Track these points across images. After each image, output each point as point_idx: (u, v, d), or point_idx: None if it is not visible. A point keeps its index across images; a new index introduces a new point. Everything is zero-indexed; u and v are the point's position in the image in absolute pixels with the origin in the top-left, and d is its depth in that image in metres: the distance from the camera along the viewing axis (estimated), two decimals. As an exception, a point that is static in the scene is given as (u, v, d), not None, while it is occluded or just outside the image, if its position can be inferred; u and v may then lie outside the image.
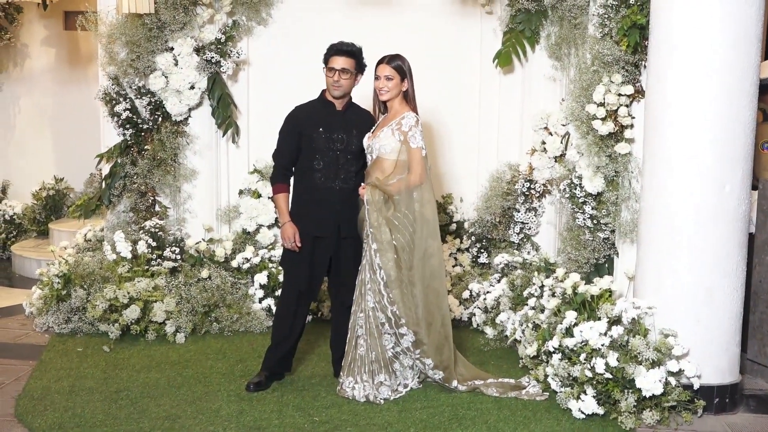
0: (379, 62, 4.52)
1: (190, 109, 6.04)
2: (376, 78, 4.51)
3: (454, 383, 4.53)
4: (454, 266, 6.23)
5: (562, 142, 5.77)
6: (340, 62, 4.48)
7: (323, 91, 4.63)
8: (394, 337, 4.46)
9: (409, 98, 4.57)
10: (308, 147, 4.53)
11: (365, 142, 4.55)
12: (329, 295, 4.97)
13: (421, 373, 4.59)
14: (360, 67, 4.57)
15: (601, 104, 5.00)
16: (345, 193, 4.52)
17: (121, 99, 5.94)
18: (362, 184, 4.53)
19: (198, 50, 5.93)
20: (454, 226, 6.41)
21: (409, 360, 4.52)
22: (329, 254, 4.58)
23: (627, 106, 4.98)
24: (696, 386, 4.18)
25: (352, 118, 4.61)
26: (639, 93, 4.94)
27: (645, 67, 4.79)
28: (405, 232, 4.40)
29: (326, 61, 4.53)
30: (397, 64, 4.51)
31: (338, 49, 4.50)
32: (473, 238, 6.28)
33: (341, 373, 4.51)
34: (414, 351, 4.46)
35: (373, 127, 4.61)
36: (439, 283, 4.53)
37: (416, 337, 4.43)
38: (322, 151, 4.51)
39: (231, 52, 6.02)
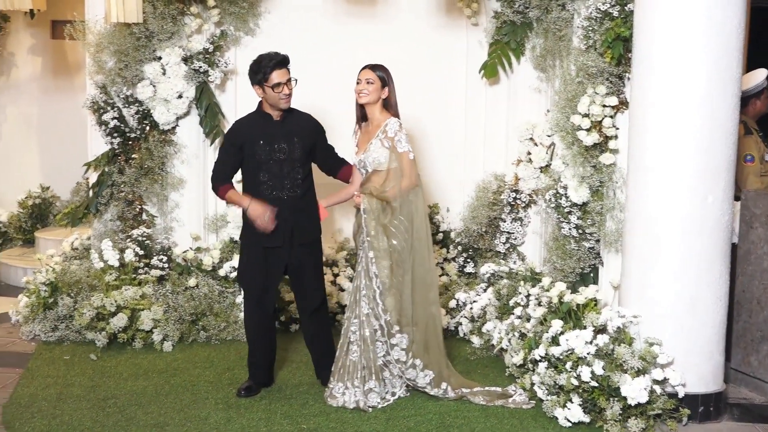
0: (363, 68, 4.59)
1: (177, 118, 6.05)
2: (357, 82, 4.56)
3: (444, 385, 4.55)
4: (440, 275, 6.25)
5: (547, 153, 5.83)
6: (284, 74, 4.47)
7: (260, 104, 4.62)
8: (385, 346, 4.49)
9: (390, 105, 4.61)
10: (251, 160, 4.54)
11: (354, 158, 4.59)
12: (295, 301, 4.97)
13: (408, 383, 4.62)
14: (290, 71, 4.55)
15: (586, 115, 5.07)
16: (293, 201, 4.53)
17: (108, 108, 5.95)
18: (355, 192, 4.59)
19: (186, 60, 5.95)
20: (440, 236, 6.44)
21: (398, 370, 4.55)
22: (284, 263, 4.60)
23: (611, 117, 5.04)
24: (681, 395, 4.23)
25: (292, 125, 4.59)
26: (623, 104, 5.01)
27: (629, 78, 4.86)
28: (401, 238, 4.45)
29: (265, 79, 4.44)
30: (380, 74, 4.58)
31: (277, 62, 4.45)
32: (459, 247, 6.31)
33: (331, 378, 4.53)
34: (407, 354, 4.49)
35: (355, 140, 4.66)
36: (430, 286, 4.60)
37: (409, 338, 4.48)
38: (265, 163, 4.52)
39: (219, 61, 6.04)
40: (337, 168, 4.85)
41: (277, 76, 4.44)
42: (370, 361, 4.46)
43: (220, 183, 4.65)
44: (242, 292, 4.83)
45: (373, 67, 4.59)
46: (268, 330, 4.71)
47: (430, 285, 4.63)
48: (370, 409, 4.38)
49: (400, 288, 4.46)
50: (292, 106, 4.60)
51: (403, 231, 4.46)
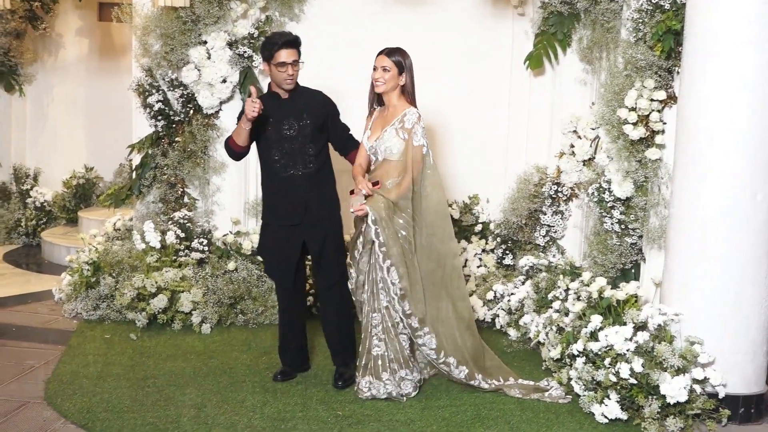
0: (379, 54, 4.44)
1: (221, 103, 6.09)
2: (374, 69, 4.43)
3: (478, 378, 4.52)
4: (478, 267, 6.23)
5: (591, 146, 5.76)
6: (291, 55, 4.42)
7: (270, 84, 4.60)
8: (409, 340, 4.46)
9: (407, 93, 4.46)
10: (263, 139, 4.54)
11: (366, 143, 4.49)
12: (313, 280, 4.91)
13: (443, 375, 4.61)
14: (300, 54, 4.50)
15: (633, 109, 4.99)
16: (308, 178, 4.50)
17: (154, 91, 6.01)
18: (356, 198, 4.37)
19: (231, 44, 5.98)
20: (479, 227, 6.42)
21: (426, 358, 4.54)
22: (301, 239, 4.57)
23: (659, 111, 4.96)
24: (721, 395, 4.17)
25: (301, 103, 4.55)
26: (671, 99, 4.92)
27: (678, 72, 4.78)
28: (408, 234, 4.37)
29: (271, 56, 4.42)
30: (397, 59, 4.40)
31: (284, 42, 4.41)
32: (498, 239, 6.28)
33: (357, 374, 4.49)
34: (438, 354, 4.45)
35: (368, 124, 4.55)
36: (450, 280, 4.52)
37: (437, 339, 4.43)
38: (276, 141, 4.50)
39: (263, 46, 6.06)
40: (349, 149, 4.75)
41: (283, 56, 4.39)
42: (397, 352, 4.41)
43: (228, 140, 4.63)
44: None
45: (389, 53, 4.41)
46: (289, 310, 4.68)
47: (450, 279, 4.53)
48: (404, 398, 4.38)
49: (417, 287, 4.37)
50: (309, 86, 4.59)
51: (406, 226, 4.36)
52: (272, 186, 4.57)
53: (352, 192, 4.41)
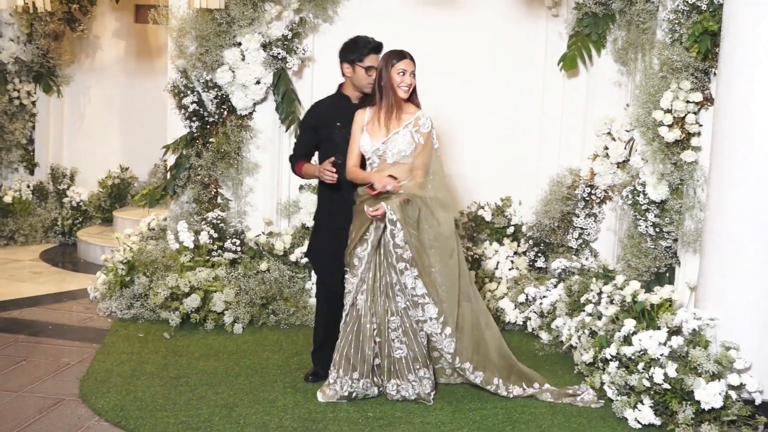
0: (403, 56, 4.35)
1: (255, 104, 6.13)
2: (401, 72, 4.33)
3: (497, 383, 4.45)
4: (510, 269, 6.20)
5: (625, 148, 5.71)
6: (376, 60, 4.47)
7: (340, 86, 4.64)
8: (426, 338, 4.41)
9: (416, 94, 4.46)
10: (328, 142, 4.57)
11: (373, 145, 4.37)
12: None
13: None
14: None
15: (668, 111, 4.94)
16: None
17: (188, 92, 6.07)
18: (365, 202, 4.33)
19: (265, 46, 6.02)
20: (511, 229, 6.39)
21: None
22: None
23: (695, 113, 4.90)
24: (758, 401, 4.09)
25: None
26: (708, 101, 4.86)
27: (715, 74, 4.71)
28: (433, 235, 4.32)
29: (361, 59, 4.49)
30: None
31: (374, 47, 4.50)
32: (531, 241, 6.25)
33: (382, 378, 4.41)
34: (454, 358, 4.40)
35: (362, 124, 4.43)
36: (456, 275, 4.42)
37: (456, 343, 4.37)
38: (341, 145, 4.50)
39: (297, 48, 6.09)
40: None
41: (370, 60, 4.48)
42: (417, 353, 4.35)
43: (296, 160, 4.69)
44: (316, 283, 4.88)
45: (411, 57, 4.38)
46: (331, 313, 4.66)
47: (459, 279, 4.43)
48: (431, 399, 4.36)
49: (432, 290, 4.32)
50: None
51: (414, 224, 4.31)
52: (329, 191, 4.58)
53: (371, 187, 4.28)
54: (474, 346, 4.46)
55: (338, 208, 4.55)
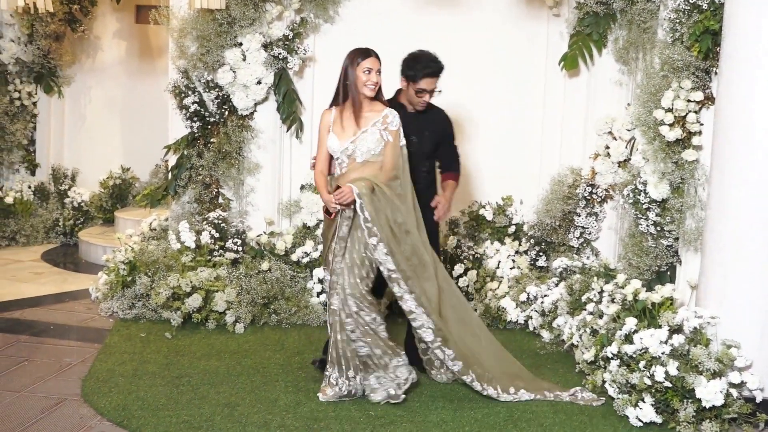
0: (368, 54, 4.32)
1: (256, 104, 6.14)
2: (367, 71, 4.29)
3: (472, 375, 4.40)
4: (511, 268, 6.20)
5: (626, 147, 5.71)
6: (430, 83, 4.51)
7: (398, 92, 4.65)
8: (385, 331, 4.36)
9: (381, 92, 4.41)
10: None
11: (342, 145, 4.32)
12: None
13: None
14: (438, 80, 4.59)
15: (669, 110, 4.94)
16: (418, 193, 4.53)
17: (189, 92, 6.07)
18: (330, 185, 4.36)
19: (266, 46, 6.02)
20: (513, 228, 6.39)
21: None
22: None
23: (696, 112, 4.91)
24: (758, 399, 4.10)
25: (425, 119, 4.63)
26: (709, 100, 4.86)
27: (716, 73, 4.72)
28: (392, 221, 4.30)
29: (415, 80, 4.51)
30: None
31: (432, 72, 4.50)
32: (532, 240, 6.25)
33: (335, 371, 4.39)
34: (435, 340, 4.38)
35: (328, 124, 4.38)
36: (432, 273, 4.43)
37: (435, 325, 4.36)
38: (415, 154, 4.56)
39: (298, 48, 6.10)
40: (452, 169, 4.92)
41: (424, 84, 4.49)
42: (381, 347, 4.32)
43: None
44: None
45: (377, 55, 4.34)
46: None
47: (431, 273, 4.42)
48: (407, 384, 4.33)
49: (408, 274, 4.30)
50: None
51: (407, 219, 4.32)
52: None
53: (338, 188, 4.28)
54: (454, 335, 4.43)
55: None
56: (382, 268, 4.30)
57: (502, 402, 4.37)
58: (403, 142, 4.39)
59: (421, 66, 4.52)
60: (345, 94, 4.36)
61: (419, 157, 4.58)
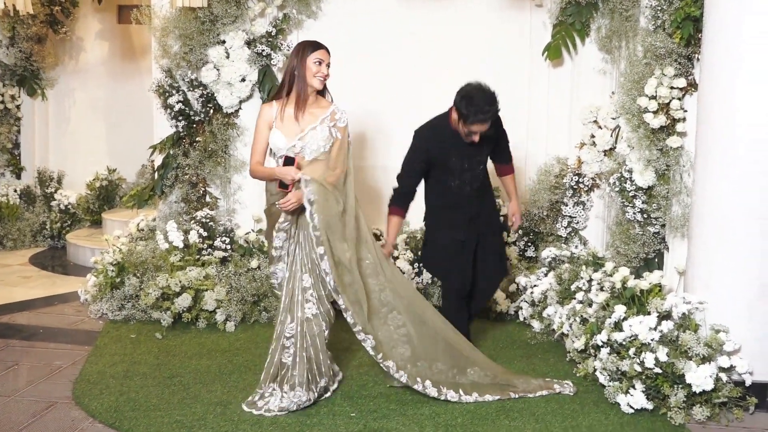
0: (319, 46, 4.16)
1: (240, 102, 6.12)
2: (318, 62, 4.11)
3: (425, 384, 4.25)
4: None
5: (612, 136, 5.73)
6: (481, 127, 4.49)
7: (450, 119, 4.60)
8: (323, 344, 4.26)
9: (326, 88, 4.26)
10: (443, 168, 4.66)
11: (288, 142, 4.13)
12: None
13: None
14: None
15: (653, 97, 4.96)
16: (476, 194, 4.71)
17: (174, 91, 6.05)
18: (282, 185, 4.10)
19: (249, 43, 6.01)
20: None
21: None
22: (472, 252, 4.77)
23: (679, 99, 4.93)
24: (748, 383, 4.13)
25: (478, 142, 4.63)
26: (692, 86, 4.89)
27: (698, 59, 4.74)
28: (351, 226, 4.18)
29: (466, 120, 4.44)
30: None
31: (483, 119, 4.46)
32: (520, 231, 6.26)
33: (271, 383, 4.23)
34: (377, 355, 4.19)
35: (271, 120, 4.19)
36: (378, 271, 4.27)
37: (375, 342, 4.17)
38: (456, 171, 4.65)
39: (281, 45, 6.08)
40: (504, 159, 5.01)
41: (476, 128, 4.49)
42: (314, 361, 4.21)
43: (398, 205, 4.76)
44: (443, 289, 5.00)
45: (328, 49, 4.19)
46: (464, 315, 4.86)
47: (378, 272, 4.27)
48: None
49: (351, 283, 4.13)
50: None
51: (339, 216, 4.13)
52: (441, 203, 4.75)
53: (283, 186, 4.08)
54: (393, 344, 4.25)
55: (456, 219, 4.71)
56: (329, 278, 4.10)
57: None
58: (350, 138, 4.28)
59: (474, 110, 4.41)
60: (290, 86, 4.16)
61: (477, 164, 4.68)
